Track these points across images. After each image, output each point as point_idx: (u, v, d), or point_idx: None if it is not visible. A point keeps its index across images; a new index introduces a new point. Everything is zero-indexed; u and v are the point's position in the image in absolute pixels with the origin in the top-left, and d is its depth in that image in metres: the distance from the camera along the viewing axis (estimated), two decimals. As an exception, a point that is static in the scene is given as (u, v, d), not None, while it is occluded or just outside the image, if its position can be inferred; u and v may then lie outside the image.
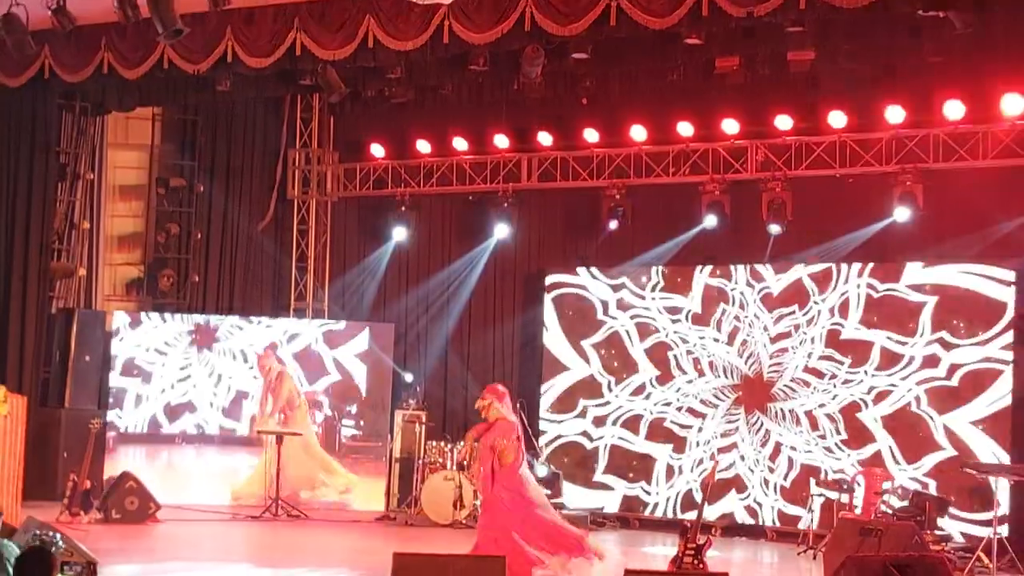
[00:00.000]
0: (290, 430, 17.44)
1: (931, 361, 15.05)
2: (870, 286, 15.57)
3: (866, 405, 15.42)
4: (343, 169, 19.53)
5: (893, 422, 15.18)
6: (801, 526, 15.10)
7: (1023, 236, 14.96)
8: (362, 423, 18.10)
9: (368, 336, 18.11)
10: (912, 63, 14.64)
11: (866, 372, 15.48)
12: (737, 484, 16.14)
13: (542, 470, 16.88)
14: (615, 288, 17.14)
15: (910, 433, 15.06)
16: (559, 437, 17.37)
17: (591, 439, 17.15)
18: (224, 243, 19.15)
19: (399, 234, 18.70)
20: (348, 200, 19.64)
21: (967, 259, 15.19)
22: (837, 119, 15.64)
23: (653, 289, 16.95)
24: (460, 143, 18.23)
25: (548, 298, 17.53)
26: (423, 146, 18.52)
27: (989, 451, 14.59)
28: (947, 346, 15.00)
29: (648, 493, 16.76)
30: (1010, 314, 14.68)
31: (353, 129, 19.52)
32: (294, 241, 19.63)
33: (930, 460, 14.95)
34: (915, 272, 15.28)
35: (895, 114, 15.30)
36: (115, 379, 17.62)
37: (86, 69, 15.37)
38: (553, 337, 17.59)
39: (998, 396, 14.60)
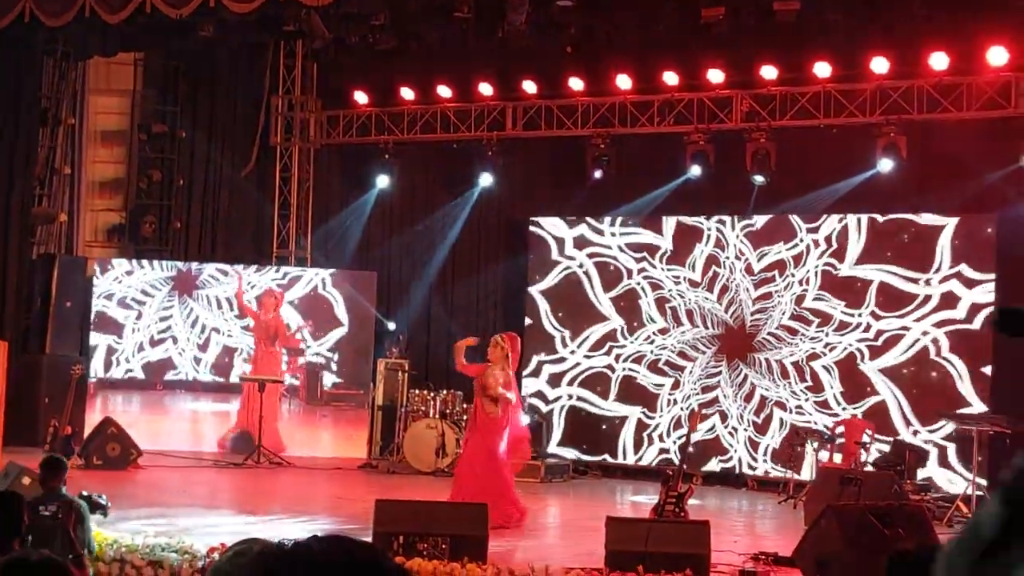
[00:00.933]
0: (271, 377, 17.44)
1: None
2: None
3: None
4: (326, 116, 19.41)
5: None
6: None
7: (1005, 187, 15.01)
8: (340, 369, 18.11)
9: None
10: (897, 14, 14.61)
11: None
12: (720, 414, 17.00)
13: (525, 419, 16.95)
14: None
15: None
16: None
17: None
18: (206, 190, 19.06)
19: (382, 182, 18.61)
20: (331, 147, 19.54)
21: (949, 212, 15.44)
22: (822, 69, 15.59)
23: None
24: (444, 91, 18.10)
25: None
26: (407, 93, 18.39)
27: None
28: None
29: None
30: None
31: (336, 76, 19.33)
32: (276, 188, 19.50)
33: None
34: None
35: (880, 65, 15.26)
36: (112, 310, 17.61)
37: (68, 13, 15.23)
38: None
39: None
